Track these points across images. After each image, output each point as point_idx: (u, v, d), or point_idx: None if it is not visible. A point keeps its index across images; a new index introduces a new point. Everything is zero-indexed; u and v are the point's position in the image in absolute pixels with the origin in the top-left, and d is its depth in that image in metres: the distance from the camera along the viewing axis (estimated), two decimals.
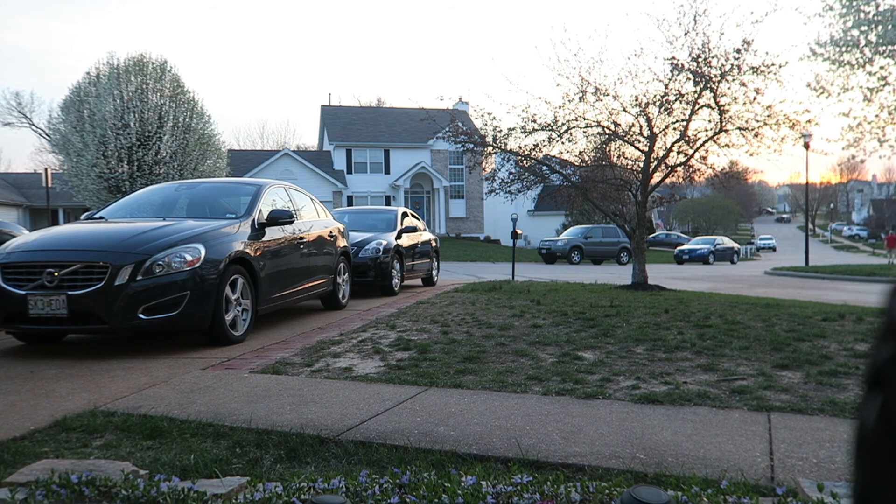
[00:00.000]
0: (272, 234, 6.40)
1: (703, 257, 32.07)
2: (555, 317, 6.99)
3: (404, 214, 11.51)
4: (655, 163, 11.11)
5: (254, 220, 6.24)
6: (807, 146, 18.96)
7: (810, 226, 67.74)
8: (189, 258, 5.21)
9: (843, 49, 9.89)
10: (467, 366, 4.62)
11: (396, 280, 10.05)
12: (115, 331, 5.16)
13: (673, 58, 10.50)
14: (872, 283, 16.69)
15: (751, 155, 10.98)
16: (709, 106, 10.76)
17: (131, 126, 21.96)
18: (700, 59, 10.35)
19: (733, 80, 10.44)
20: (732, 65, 10.33)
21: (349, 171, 38.51)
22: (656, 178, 11.33)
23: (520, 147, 11.83)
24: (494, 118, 11.66)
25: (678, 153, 11.26)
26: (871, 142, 10.57)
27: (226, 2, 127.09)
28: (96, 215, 6.61)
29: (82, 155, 22.09)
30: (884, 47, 9.52)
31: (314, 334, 6.14)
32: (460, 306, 7.95)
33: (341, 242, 8.28)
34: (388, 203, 37.68)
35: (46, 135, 37.67)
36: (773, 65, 10.24)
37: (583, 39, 41.43)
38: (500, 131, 11.61)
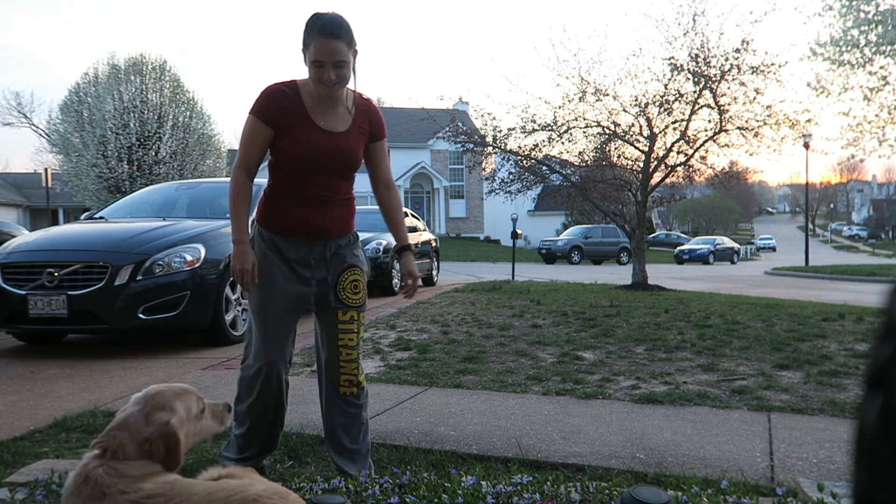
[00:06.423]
0: None
1: (703, 257, 32.05)
2: (555, 317, 6.99)
3: (404, 214, 11.50)
4: (655, 163, 11.11)
5: (254, 219, 6.23)
6: (807, 146, 18.96)
7: (810, 226, 67.68)
8: (189, 258, 5.22)
9: (843, 49, 9.90)
10: (467, 366, 4.62)
11: (396, 280, 10.04)
12: (116, 331, 5.17)
13: (672, 58, 10.51)
14: (872, 283, 16.69)
15: (751, 155, 11.01)
16: (708, 106, 10.76)
17: (131, 126, 21.95)
18: (699, 59, 10.35)
19: (733, 79, 10.44)
20: (732, 64, 10.34)
21: None
22: (656, 178, 11.34)
23: (520, 147, 11.83)
24: (494, 118, 11.67)
25: (678, 153, 11.26)
26: (871, 141, 10.59)
27: (226, 2, 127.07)
28: (96, 215, 6.61)
29: (82, 155, 22.08)
30: (884, 47, 9.52)
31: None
32: (460, 306, 7.95)
33: None
34: None
35: (46, 135, 37.64)
36: (772, 64, 10.25)
37: (582, 40, 41.38)
38: (500, 131, 11.61)
